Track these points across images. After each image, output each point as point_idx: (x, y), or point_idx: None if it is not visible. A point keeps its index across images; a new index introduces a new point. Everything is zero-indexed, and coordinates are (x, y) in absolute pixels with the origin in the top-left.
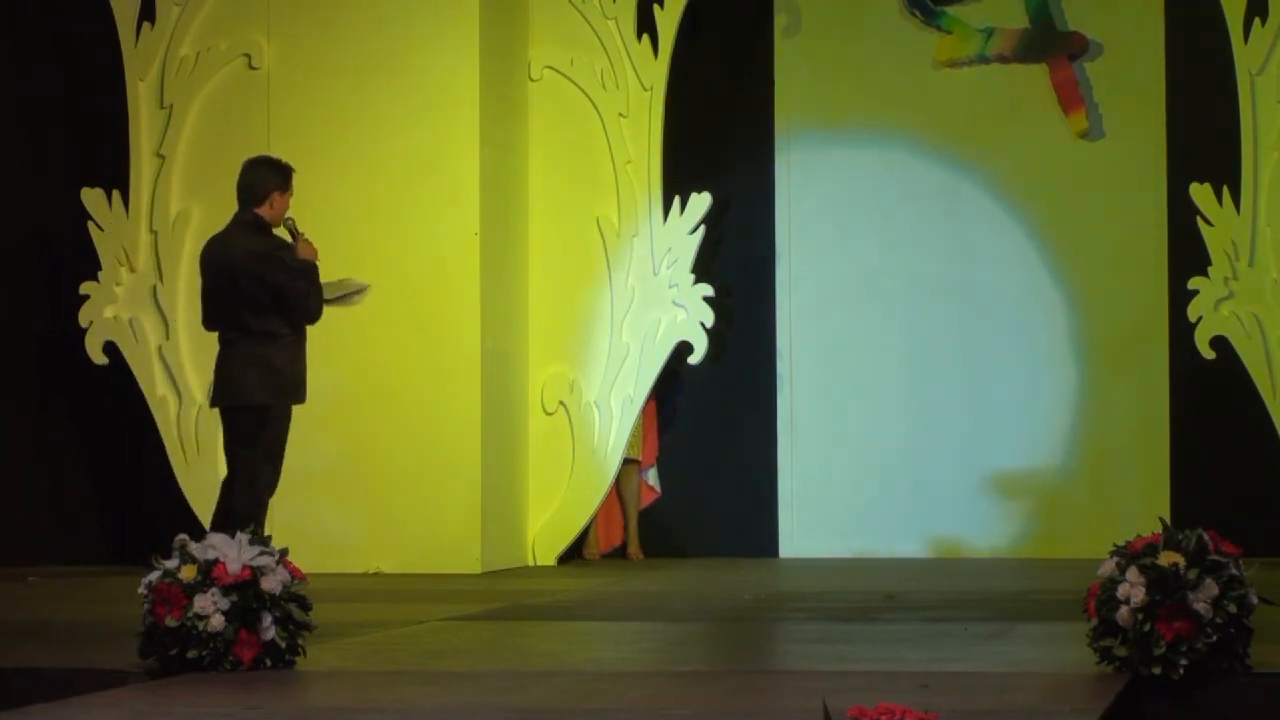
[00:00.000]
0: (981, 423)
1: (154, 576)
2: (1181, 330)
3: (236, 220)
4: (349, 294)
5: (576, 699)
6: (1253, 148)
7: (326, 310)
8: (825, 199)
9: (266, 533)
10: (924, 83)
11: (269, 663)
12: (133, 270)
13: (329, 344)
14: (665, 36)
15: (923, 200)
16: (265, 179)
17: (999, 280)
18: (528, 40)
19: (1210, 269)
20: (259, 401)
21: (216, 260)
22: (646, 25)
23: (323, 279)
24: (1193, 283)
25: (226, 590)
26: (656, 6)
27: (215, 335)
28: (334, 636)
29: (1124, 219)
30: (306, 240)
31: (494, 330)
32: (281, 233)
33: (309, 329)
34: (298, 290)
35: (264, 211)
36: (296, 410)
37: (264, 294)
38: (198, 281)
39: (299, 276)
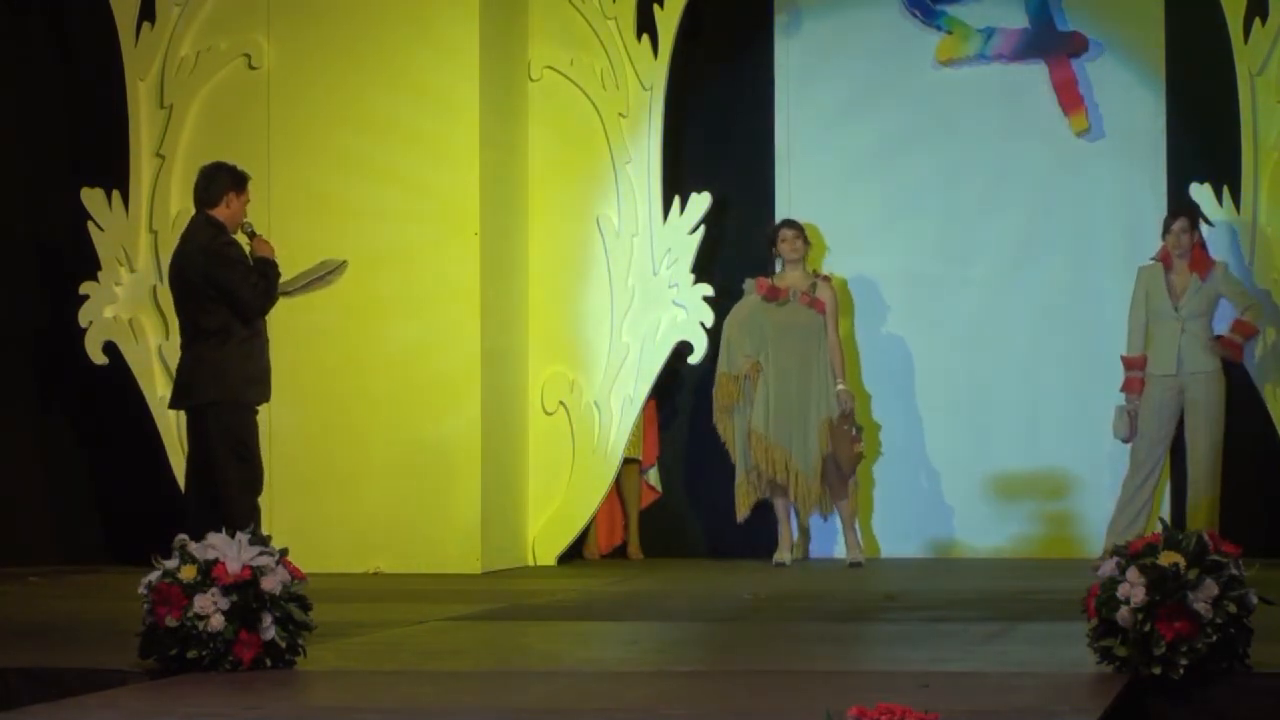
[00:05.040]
0: (982, 422)
1: (154, 576)
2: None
3: (190, 223)
4: (326, 274)
5: (576, 699)
6: (1253, 148)
7: (323, 310)
8: (824, 199)
9: (266, 533)
10: (924, 82)
11: (269, 663)
12: (133, 270)
13: (328, 343)
14: (665, 36)
15: (922, 200)
16: (218, 181)
17: (999, 280)
18: (528, 40)
19: None
20: (208, 400)
21: (173, 266)
22: (646, 25)
23: (302, 267)
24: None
25: (226, 590)
26: (656, 6)
27: None
28: (334, 636)
29: (1124, 219)
30: (263, 239)
31: (494, 330)
32: (241, 237)
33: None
34: (246, 283)
35: (219, 213)
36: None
37: (211, 290)
38: None
39: (249, 272)
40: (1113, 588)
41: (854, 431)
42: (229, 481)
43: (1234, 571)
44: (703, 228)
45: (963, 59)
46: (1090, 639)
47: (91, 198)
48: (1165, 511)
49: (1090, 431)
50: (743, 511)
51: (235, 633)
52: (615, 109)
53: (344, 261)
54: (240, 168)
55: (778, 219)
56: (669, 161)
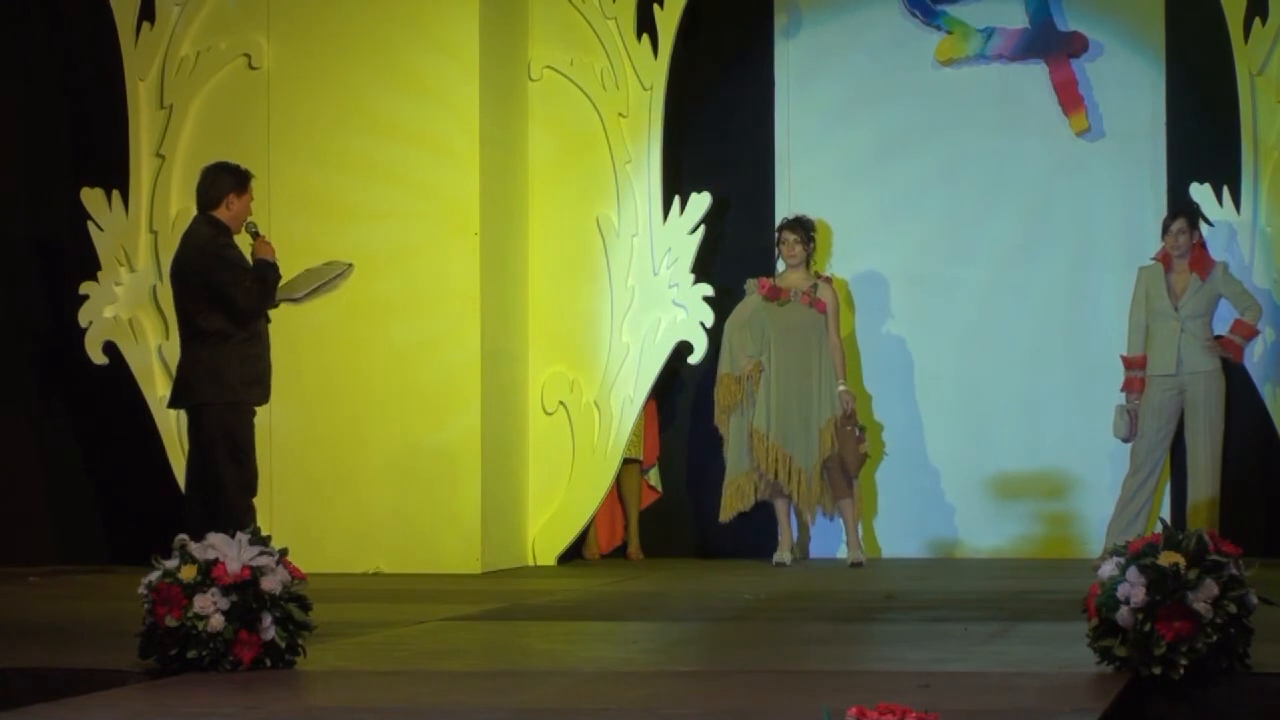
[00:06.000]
0: (981, 422)
1: (154, 576)
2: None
3: (191, 224)
4: (332, 279)
5: (576, 699)
6: (1253, 148)
7: (323, 310)
8: (824, 199)
9: (266, 532)
10: (924, 83)
11: (269, 663)
12: (133, 270)
13: (328, 343)
14: (665, 36)
15: (922, 200)
16: (220, 182)
17: (998, 280)
18: (528, 40)
19: None
20: (205, 402)
21: (173, 266)
22: (646, 25)
23: (303, 267)
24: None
25: (226, 590)
26: (656, 6)
27: None
28: (334, 636)
29: (1124, 219)
30: (265, 240)
31: (494, 330)
32: (244, 237)
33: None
34: (240, 286)
35: (220, 214)
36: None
37: (207, 291)
38: None
39: (244, 274)
40: (1113, 588)
41: (857, 432)
42: (225, 482)
43: (1234, 571)
44: (703, 228)
45: (963, 59)
46: (1090, 639)
47: (91, 198)
48: (1165, 511)
49: (1090, 431)
50: (728, 514)
51: (235, 633)
52: (615, 109)
53: (350, 265)
54: (243, 167)
55: (778, 219)
56: (669, 161)
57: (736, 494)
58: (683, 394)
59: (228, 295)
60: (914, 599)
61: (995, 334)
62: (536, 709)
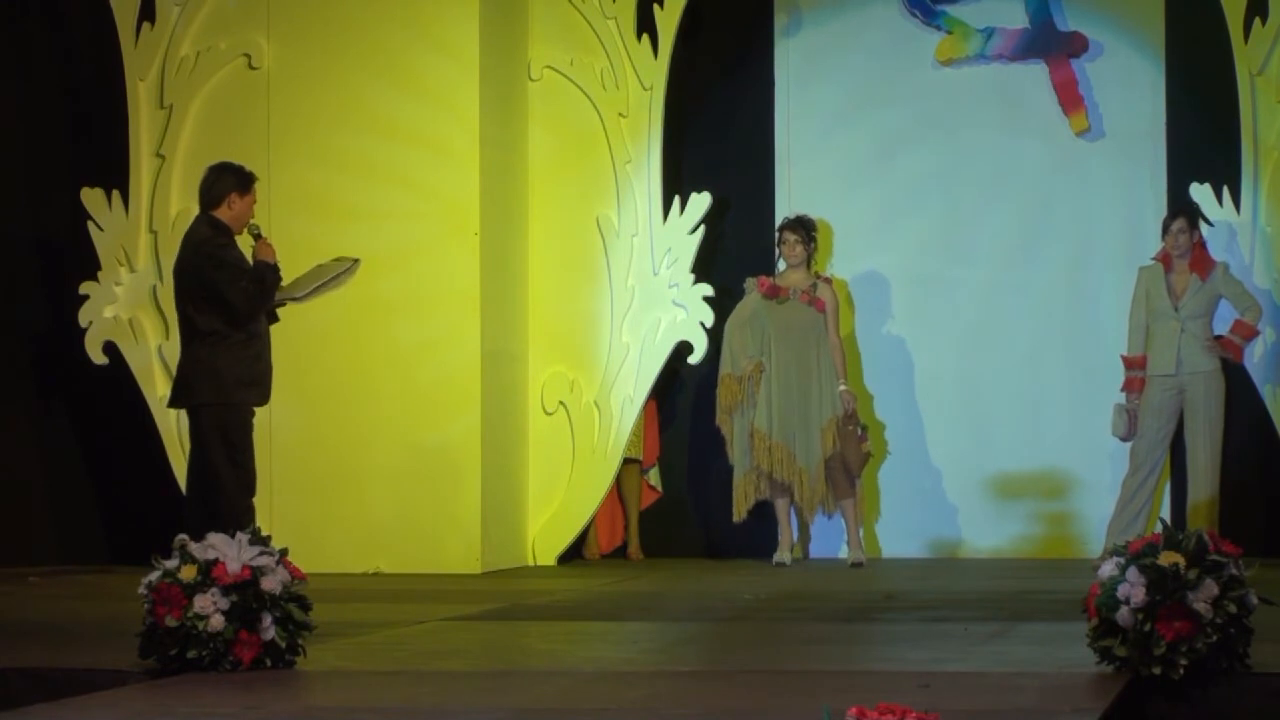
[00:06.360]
0: (981, 422)
1: (154, 576)
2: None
3: (193, 223)
4: (336, 275)
5: (576, 699)
6: (1253, 148)
7: (323, 310)
8: (824, 199)
9: (266, 532)
10: (924, 82)
11: (269, 663)
12: (133, 270)
13: (328, 343)
14: (665, 36)
15: (922, 200)
16: (222, 182)
17: (999, 279)
18: (528, 40)
19: None
20: (202, 402)
21: (175, 265)
22: (646, 25)
23: (302, 268)
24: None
25: (226, 590)
26: (656, 6)
27: None
28: (334, 636)
29: (1124, 219)
30: (266, 242)
31: (494, 330)
32: (245, 238)
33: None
34: (235, 286)
35: (221, 213)
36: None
37: (204, 290)
38: None
39: (240, 275)
40: (1113, 588)
41: (859, 431)
42: (223, 482)
43: (1234, 571)
44: (703, 228)
45: (963, 59)
46: (1090, 639)
47: (91, 198)
48: (1165, 511)
49: (1090, 431)
50: (740, 512)
51: (235, 633)
52: (615, 109)
53: (356, 260)
54: (246, 168)
55: (778, 219)
56: (669, 161)
57: (742, 494)
58: (683, 394)
59: (223, 295)
60: (914, 599)
61: (995, 334)
62: (536, 709)
